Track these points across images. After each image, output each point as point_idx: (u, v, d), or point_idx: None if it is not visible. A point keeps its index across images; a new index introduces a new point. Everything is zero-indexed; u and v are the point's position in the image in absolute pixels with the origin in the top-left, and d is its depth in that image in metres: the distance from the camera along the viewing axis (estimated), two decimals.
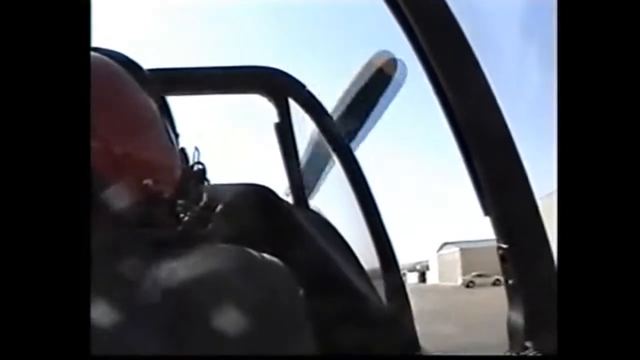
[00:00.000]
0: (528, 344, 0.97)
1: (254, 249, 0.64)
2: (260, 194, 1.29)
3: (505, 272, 1.00)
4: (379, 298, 1.30)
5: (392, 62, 1.57)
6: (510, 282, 1.00)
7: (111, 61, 0.67)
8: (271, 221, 1.23)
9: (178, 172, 0.68)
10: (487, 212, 0.99)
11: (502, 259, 0.99)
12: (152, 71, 1.40)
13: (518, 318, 0.98)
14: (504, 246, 0.98)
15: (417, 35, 0.94)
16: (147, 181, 0.63)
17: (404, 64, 1.56)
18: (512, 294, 1.00)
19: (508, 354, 1.00)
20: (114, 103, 0.64)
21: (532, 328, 0.97)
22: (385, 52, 1.60)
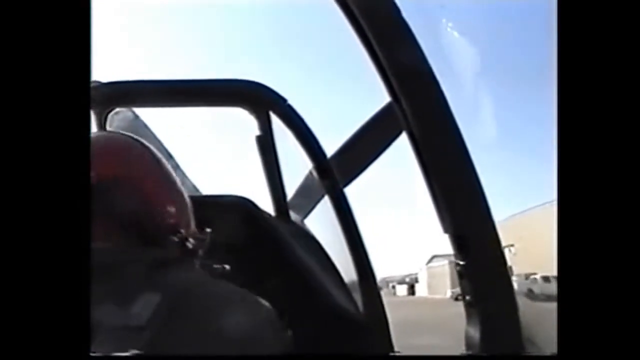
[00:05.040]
0: None
1: (235, 264, 0.69)
2: (240, 206, 1.30)
3: (462, 289, 1.03)
4: (357, 308, 1.31)
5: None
6: (467, 298, 1.02)
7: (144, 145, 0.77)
8: (252, 232, 1.24)
9: (184, 207, 0.76)
10: (445, 229, 1.01)
11: (460, 275, 1.02)
12: (133, 83, 1.42)
13: (475, 333, 1.01)
14: (461, 263, 1.01)
15: (376, 52, 0.96)
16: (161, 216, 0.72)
17: None
18: (469, 309, 1.03)
19: None
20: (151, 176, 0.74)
21: (488, 343, 0.99)
22: None
